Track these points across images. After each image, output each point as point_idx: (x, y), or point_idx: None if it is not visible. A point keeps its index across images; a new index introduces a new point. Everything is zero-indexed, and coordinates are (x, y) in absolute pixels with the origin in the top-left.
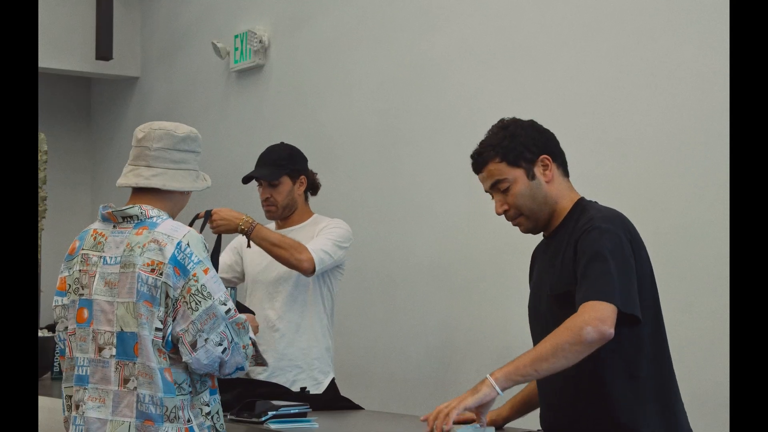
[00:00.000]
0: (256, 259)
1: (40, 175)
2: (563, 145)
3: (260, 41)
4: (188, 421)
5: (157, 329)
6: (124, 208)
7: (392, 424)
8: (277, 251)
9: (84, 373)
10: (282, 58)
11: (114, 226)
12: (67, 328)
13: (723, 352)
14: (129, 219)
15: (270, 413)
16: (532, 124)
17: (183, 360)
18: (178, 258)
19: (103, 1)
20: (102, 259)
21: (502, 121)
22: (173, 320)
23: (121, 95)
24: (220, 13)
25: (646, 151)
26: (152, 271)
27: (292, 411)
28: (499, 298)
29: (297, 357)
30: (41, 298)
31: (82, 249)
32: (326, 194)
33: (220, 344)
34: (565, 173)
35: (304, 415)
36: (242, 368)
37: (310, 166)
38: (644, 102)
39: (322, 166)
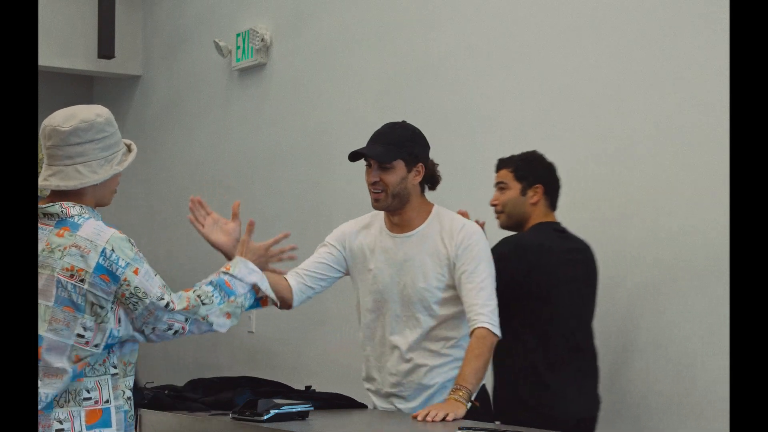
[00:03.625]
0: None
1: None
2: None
3: (262, 40)
4: (106, 402)
5: (79, 335)
6: (44, 205)
7: (394, 422)
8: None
9: None
10: (284, 57)
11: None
12: None
13: (723, 352)
14: (50, 216)
15: (272, 412)
16: (547, 163)
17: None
18: (105, 266)
19: (105, 0)
20: None
21: (533, 152)
22: (118, 322)
23: (123, 94)
24: (222, 11)
25: (650, 150)
26: (71, 276)
27: (294, 410)
28: None
29: None
30: None
31: None
32: (326, 194)
33: (170, 329)
34: (552, 205)
35: (306, 414)
36: (212, 330)
37: (311, 164)
38: (648, 102)
39: (323, 165)
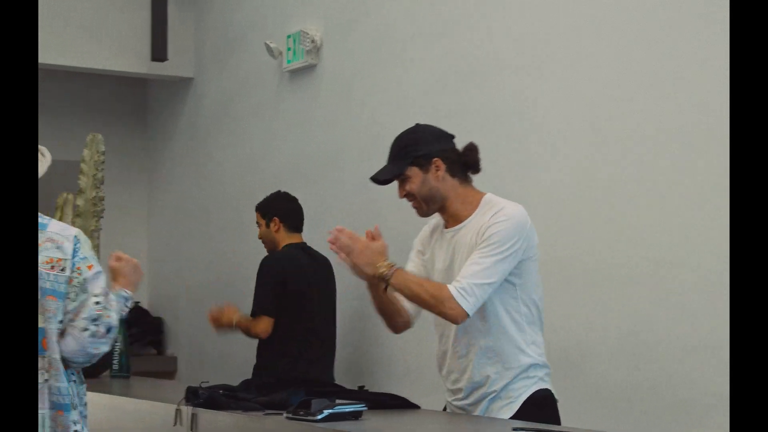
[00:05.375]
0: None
1: (98, 175)
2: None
3: (312, 41)
4: (83, 408)
5: (60, 321)
6: None
7: (446, 422)
8: (419, 301)
9: None
10: (334, 58)
11: None
12: None
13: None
14: None
15: (326, 412)
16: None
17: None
18: (78, 253)
19: (158, 4)
20: None
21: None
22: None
23: (175, 96)
24: (272, 13)
25: (708, 151)
26: (52, 267)
27: (347, 410)
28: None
29: None
30: None
31: None
32: (377, 194)
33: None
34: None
35: (359, 414)
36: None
37: (362, 164)
38: (702, 101)
39: (374, 166)
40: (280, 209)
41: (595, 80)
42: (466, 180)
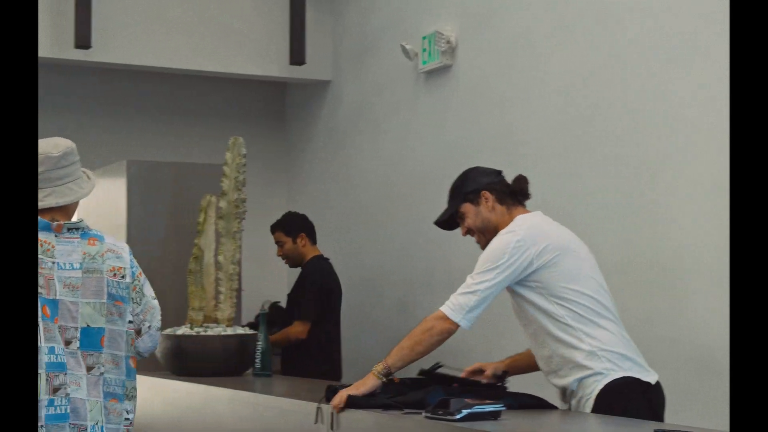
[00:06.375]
0: None
1: (239, 177)
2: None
3: (447, 41)
4: (135, 400)
5: (129, 322)
6: (73, 222)
7: (583, 423)
8: (419, 351)
9: (61, 361)
10: (469, 58)
11: (56, 236)
12: None
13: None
14: (75, 230)
15: (464, 411)
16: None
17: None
18: (133, 262)
19: (297, 8)
20: (56, 265)
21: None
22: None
23: (313, 98)
24: (408, 15)
25: None
26: (115, 275)
27: (486, 410)
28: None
29: None
30: (243, 297)
31: None
32: None
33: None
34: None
35: (498, 414)
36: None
37: (500, 164)
38: None
39: (512, 165)
40: (304, 226)
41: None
42: (515, 205)
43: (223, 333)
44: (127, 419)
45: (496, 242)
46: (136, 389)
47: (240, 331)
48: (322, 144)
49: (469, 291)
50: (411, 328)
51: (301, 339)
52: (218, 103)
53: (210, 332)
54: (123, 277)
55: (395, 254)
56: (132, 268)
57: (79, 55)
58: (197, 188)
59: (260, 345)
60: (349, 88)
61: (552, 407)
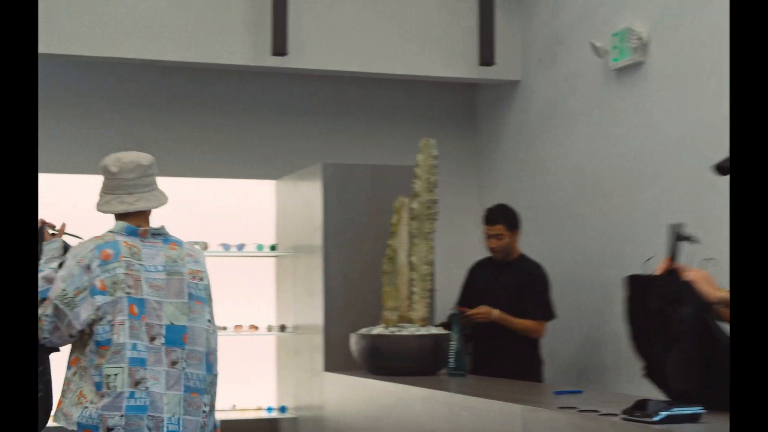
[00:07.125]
0: None
1: (431, 179)
2: None
3: (639, 38)
4: (214, 394)
5: (209, 320)
6: (156, 227)
7: None
8: None
9: (143, 357)
10: (663, 54)
11: (141, 240)
12: (111, 321)
13: None
14: (158, 235)
15: (663, 413)
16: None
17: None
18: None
19: (486, 9)
20: (143, 267)
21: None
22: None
23: (503, 99)
24: (598, 12)
25: None
26: (193, 277)
27: (686, 412)
28: None
29: None
30: (436, 296)
31: (122, 256)
32: (711, 194)
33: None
34: None
35: (698, 417)
36: None
37: (694, 164)
38: None
39: (698, 164)
40: (519, 220)
41: None
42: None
43: (417, 333)
44: (204, 411)
45: None
46: (214, 384)
47: (434, 330)
48: (512, 144)
49: None
50: (605, 331)
51: (536, 338)
52: (409, 106)
53: (404, 332)
54: (201, 279)
55: (588, 256)
56: (206, 271)
57: (277, 62)
58: (390, 190)
59: (454, 345)
60: (539, 88)
61: None
